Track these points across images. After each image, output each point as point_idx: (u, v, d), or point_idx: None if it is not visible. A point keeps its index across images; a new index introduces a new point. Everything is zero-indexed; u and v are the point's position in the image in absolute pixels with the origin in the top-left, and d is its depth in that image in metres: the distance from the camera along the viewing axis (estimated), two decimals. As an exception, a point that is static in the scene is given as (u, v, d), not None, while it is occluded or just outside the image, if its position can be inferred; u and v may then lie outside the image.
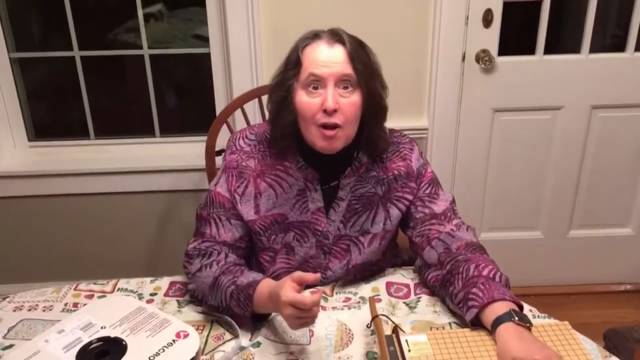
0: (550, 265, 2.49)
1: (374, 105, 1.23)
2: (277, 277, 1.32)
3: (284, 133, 1.25)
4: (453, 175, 2.31)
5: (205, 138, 1.87)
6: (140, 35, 2.17)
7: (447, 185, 2.31)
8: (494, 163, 2.31)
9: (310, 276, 1.06)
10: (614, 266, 2.50)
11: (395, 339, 1.09)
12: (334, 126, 1.19)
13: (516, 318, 1.05)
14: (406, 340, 1.09)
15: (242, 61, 2.04)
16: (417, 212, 1.31)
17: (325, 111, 1.17)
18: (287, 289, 1.05)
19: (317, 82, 1.18)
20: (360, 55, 1.20)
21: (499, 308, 1.08)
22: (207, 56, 2.16)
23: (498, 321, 1.06)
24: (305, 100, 1.20)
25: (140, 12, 2.14)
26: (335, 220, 1.31)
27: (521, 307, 1.13)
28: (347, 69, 1.18)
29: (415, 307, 1.25)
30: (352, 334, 1.18)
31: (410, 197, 1.32)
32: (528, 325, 1.06)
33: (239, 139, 1.34)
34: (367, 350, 1.14)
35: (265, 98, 1.88)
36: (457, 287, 1.17)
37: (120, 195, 2.26)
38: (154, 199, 2.28)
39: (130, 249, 2.36)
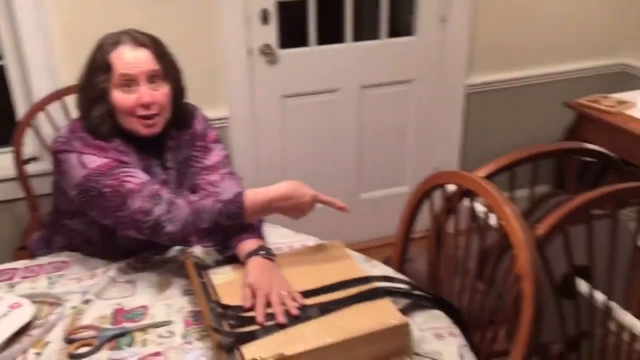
0: (347, 226, 2.88)
1: (178, 89, 1.48)
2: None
3: (101, 122, 1.39)
4: (256, 156, 2.60)
5: (10, 149, 1.93)
6: None
7: (252, 165, 2.59)
8: (290, 143, 2.65)
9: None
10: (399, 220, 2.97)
11: (205, 275, 1.33)
12: (153, 116, 1.40)
13: (263, 252, 1.34)
14: (214, 273, 1.34)
15: (39, 67, 2.12)
16: (194, 166, 1.55)
17: (142, 105, 1.38)
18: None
19: (130, 81, 1.37)
20: (160, 50, 1.43)
21: (250, 245, 1.35)
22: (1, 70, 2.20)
23: (248, 255, 1.33)
24: (121, 97, 1.38)
25: None
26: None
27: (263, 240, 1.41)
28: (154, 65, 1.39)
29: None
30: (171, 281, 1.40)
31: (198, 154, 1.56)
32: (272, 257, 1.34)
33: (72, 135, 1.41)
34: (184, 289, 1.37)
35: (67, 98, 2.01)
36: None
37: None
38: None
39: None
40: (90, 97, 1.40)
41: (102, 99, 1.39)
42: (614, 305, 1.32)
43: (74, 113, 1.51)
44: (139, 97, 1.38)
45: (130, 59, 1.37)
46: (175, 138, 1.53)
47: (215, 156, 1.57)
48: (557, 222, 1.21)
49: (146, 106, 1.38)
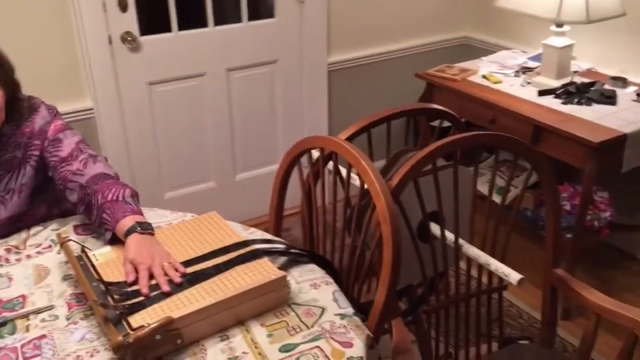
0: (223, 208, 2.94)
1: (13, 90, 1.47)
2: None
3: None
4: (127, 146, 2.58)
5: None
6: None
7: (123, 155, 2.57)
8: (161, 130, 2.65)
9: None
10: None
11: (85, 257, 1.35)
12: None
13: (139, 228, 1.37)
14: (94, 254, 1.36)
15: None
16: (50, 162, 1.54)
17: None
18: None
19: None
20: None
21: (126, 223, 1.38)
22: None
23: (127, 233, 1.36)
24: None
25: None
26: None
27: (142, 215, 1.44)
28: None
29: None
30: (49, 269, 1.40)
31: (37, 153, 1.54)
32: (150, 232, 1.38)
33: None
34: (64, 275, 1.37)
35: None
36: (94, 216, 1.45)
37: None
38: None
39: None
40: None
41: None
42: (462, 242, 1.51)
43: None
44: None
45: None
46: (5, 135, 1.51)
47: (68, 145, 1.55)
48: (407, 172, 1.36)
49: None
